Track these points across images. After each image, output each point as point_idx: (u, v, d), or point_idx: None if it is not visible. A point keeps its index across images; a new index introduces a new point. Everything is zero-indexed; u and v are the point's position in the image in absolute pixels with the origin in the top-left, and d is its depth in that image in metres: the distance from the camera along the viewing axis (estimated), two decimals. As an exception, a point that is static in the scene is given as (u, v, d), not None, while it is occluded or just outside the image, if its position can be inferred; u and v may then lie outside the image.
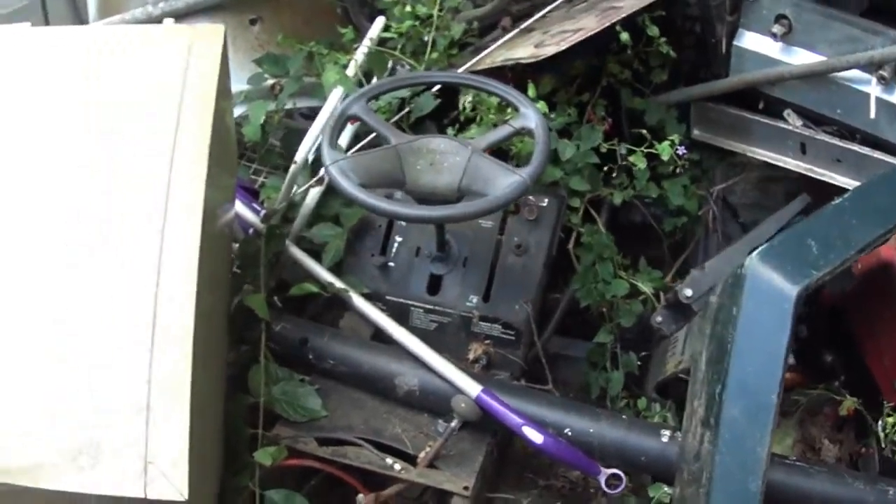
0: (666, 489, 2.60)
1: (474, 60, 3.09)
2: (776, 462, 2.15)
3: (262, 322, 2.78)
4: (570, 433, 2.66)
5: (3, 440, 2.08)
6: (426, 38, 3.18)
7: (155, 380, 2.14)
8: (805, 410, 2.91)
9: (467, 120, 3.07)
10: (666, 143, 3.00)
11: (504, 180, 2.57)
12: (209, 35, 2.45)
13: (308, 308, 3.02)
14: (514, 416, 2.63)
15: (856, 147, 2.92)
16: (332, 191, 3.01)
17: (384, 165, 2.65)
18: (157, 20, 3.28)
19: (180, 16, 3.35)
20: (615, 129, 3.18)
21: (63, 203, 2.23)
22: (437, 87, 3.08)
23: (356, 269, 2.98)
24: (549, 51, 2.88)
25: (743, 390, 2.20)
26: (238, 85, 3.04)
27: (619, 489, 2.63)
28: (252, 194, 3.11)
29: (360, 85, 3.09)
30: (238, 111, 3.16)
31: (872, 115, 2.82)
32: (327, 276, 2.90)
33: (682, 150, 3.04)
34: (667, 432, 2.64)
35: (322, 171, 2.94)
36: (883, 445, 2.67)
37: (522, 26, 3.18)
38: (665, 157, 3.00)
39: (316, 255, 2.97)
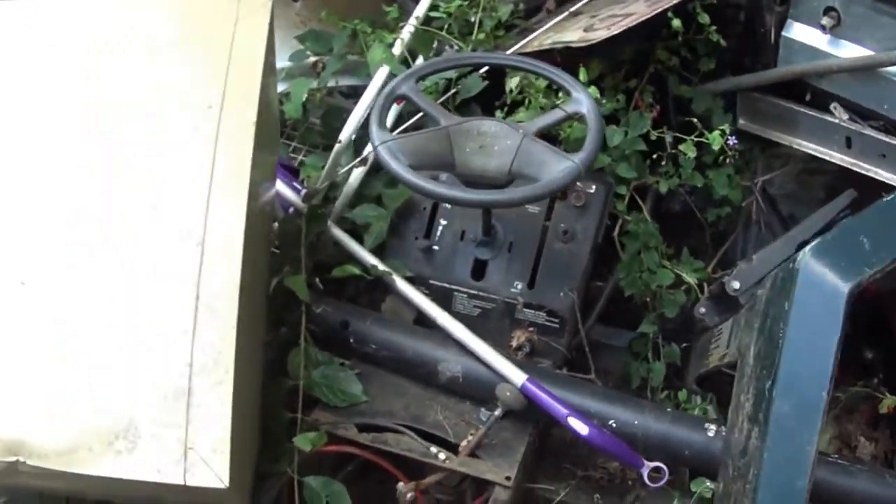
0: (708, 484, 2.58)
1: (523, 42, 3.05)
2: (819, 460, 2.15)
3: (302, 304, 2.75)
4: (614, 424, 2.65)
5: (39, 423, 2.06)
6: (472, 19, 3.14)
7: (196, 362, 2.12)
8: (843, 407, 2.91)
9: (514, 103, 3.03)
10: (716, 133, 2.96)
11: (556, 166, 2.53)
12: (257, 8, 2.42)
13: (345, 290, 2.97)
14: (560, 406, 2.60)
15: (902, 143, 2.89)
16: (374, 171, 2.98)
17: (433, 147, 2.62)
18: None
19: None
20: (662, 117, 3.13)
21: (111, 176, 2.21)
22: (485, 68, 3.04)
23: (399, 252, 2.94)
24: (600, 35, 2.84)
25: (793, 387, 2.18)
26: (279, 62, 3.01)
27: (661, 482, 2.61)
28: (291, 172, 3.07)
29: (406, 64, 3.05)
30: (279, 88, 3.10)
31: (919, 111, 2.78)
32: (370, 259, 2.86)
33: (732, 141, 3.00)
34: (712, 426, 2.63)
35: (366, 151, 2.91)
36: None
37: (571, 10, 3.13)
38: (716, 148, 2.96)
39: (356, 236, 2.93)
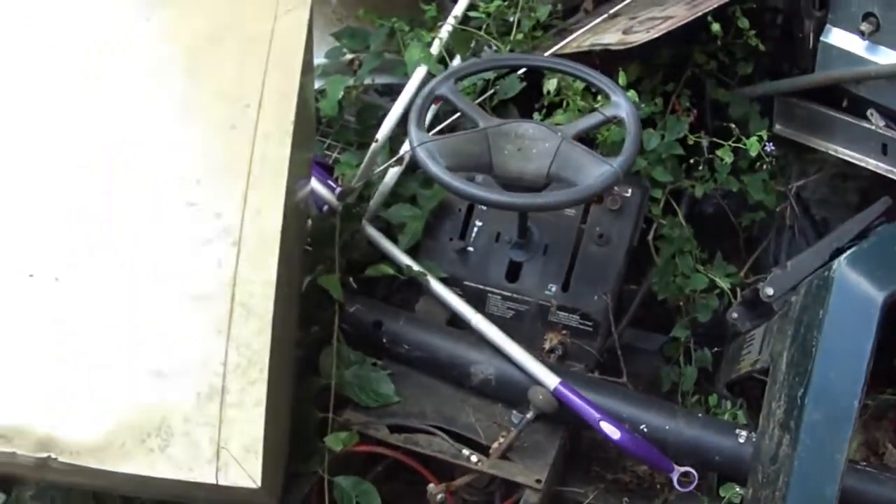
0: (738, 489, 2.57)
1: (561, 44, 3.04)
2: (848, 467, 2.15)
3: (335, 303, 2.75)
4: (645, 429, 2.65)
5: (71, 419, 2.06)
6: (511, 19, 3.13)
7: (231, 361, 2.12)
8: (871, 414, 2.91)
9: (552, 105, 3.01)
10: (754, 139, 2.95)
11: (595, 169, 2.52)
12: (296, 4, 2.42)
13: (377, 290, 2.98)
14: (592, 409, 2.60)
15: (937, 152, 2.88)
16: (410, 170, 2.98)
17: (472, 148, 2.61)
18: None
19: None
20: (698, 121, 3.13)
21: (150, 169, 2.23)
22: (523, 70, 3.03)
23: (434, 253, 2.94)
24: (639, 38, 2.82)
25: (825, 395, 2.19)
26: (315, 59, 2.99)
27: (690, 487, 2.60)
28: (326, 170, 3.07)
29: (443, 64, 3.05)
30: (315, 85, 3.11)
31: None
32: (405, 259, 2.86)
33: (770, 147, 2.99)
34: (743, 432, 2.62)
35: (402, 151, 2.91)
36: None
37: (610, 12, 3.12)
38: (753, 153, 2.95)
39: (390, 235, 2.93)
